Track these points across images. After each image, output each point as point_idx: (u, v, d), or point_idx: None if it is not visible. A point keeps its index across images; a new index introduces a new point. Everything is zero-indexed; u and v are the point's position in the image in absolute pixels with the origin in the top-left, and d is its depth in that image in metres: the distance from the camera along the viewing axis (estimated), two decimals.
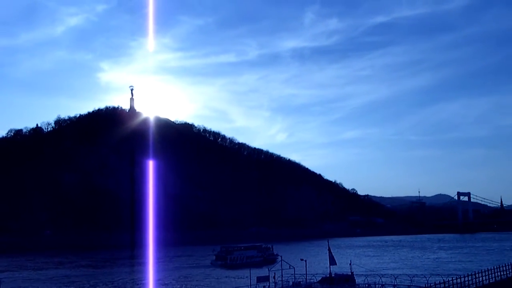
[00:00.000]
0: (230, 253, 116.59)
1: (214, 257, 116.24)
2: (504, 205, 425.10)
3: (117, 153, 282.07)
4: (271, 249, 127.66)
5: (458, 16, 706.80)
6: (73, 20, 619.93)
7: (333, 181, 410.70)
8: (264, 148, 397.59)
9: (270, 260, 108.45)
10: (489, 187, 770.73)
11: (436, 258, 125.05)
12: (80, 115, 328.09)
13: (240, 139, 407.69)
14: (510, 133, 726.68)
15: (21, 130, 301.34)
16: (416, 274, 70.77)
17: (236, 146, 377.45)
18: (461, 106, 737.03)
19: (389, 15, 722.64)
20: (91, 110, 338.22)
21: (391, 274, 75.91)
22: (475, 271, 53.27)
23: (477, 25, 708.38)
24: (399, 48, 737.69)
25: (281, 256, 63.84)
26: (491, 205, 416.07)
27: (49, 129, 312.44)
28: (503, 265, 59.72)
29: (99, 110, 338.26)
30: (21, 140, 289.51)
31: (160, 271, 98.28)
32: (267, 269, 57.96)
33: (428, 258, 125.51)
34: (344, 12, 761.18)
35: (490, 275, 54.37)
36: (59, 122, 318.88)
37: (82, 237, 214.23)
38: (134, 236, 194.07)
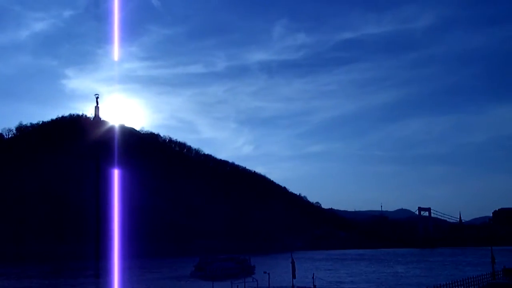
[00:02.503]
0: (209, 264, 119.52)
1: (193, 268, 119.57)
2: (463, 221, 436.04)
3: (80, 161, 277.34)
4: (248, 261, 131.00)
5: (423, 35, 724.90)
6: (39, 25, 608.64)
7: (298, 194, 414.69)
8: (230, 160, 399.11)
9: (247, 271, 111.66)
10: (449, 203, 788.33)
11: (393, 272, 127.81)
12: (43, 122, 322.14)
13: (206, 150, 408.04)
14: (469, 151, 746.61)
15: None
16: None
17: (202, 158, 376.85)
18: (424, 123, 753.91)
19: (356, 32, 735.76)
20: (54, 117, 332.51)
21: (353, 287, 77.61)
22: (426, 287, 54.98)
23: (440, 44, 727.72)
24: (365, 64, 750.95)
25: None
26: (450, 220, 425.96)
27: (10, 135, 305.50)
28: (456, 280, 61.61)
29: (63, 118, 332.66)
30: None
31: (141, 281, 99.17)
32: (250, 279, 59.15)
33: (384, 272, 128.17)
34: (312, 27, 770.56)
35: None
36: (21, 128, 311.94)
37: (44, 247, 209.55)
38: (99, 246, 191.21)
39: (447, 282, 58.12)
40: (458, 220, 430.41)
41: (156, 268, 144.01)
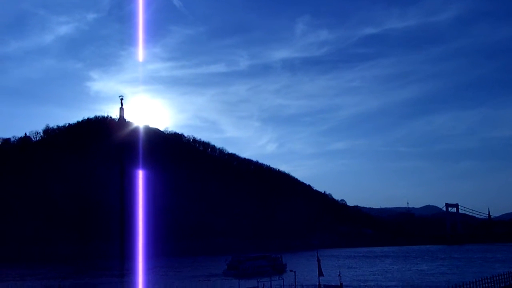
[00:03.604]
0: (241, 263, 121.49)
1: (225, 267, 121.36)
2: (491, 216, 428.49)
3: (106, 162, 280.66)
4: (280, 259, 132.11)
5: (447, 29, 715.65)
6: (63, 28, 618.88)
7: (323, 192, 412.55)
8: (254, 158, 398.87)
9: (279, 269, 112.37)
10: (477, 199, 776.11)
11: (418, 270, 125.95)
12: (69, 124, 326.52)
13: (230, 149, 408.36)
14: (497, 145, 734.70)
15: (9, 139, 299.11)
16: (396, 286, 71.59)
17: (226, 157, 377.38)
18: (449, 118, 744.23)
19: (379, 27, 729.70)
20: (80, 119, 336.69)
21: (380, 286, 76.65)
22: (454, 284, 53.70)
23: (465, 37, 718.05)
24: (388, 59, 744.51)
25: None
26: (479, 216, 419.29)
27: (37, 138, 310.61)
28: (485, 278, 59.90)
29: (89, 120, 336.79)
30: (9, 149, 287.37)
31: (177, 279, 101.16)
32: (276, 277, 59.12)
33: (409, 270, 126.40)
34: (334, 24, 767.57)
35: None
36: (47, 131, 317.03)
37: (71, 248, 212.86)
38: (124, 246, 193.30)
39: (474, 280, 56.59)
40: (487, 216, 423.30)
41: (183, 267, 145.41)
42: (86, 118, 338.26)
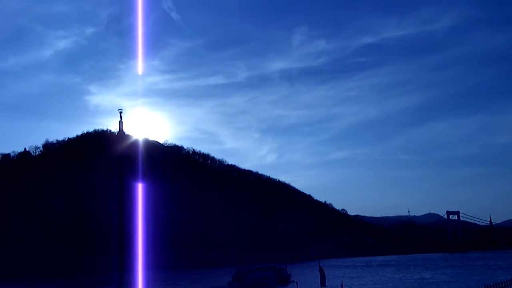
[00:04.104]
0: (247, 274, 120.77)
1: (230, 278, 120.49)
2: (493, 223, 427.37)
3: (106, 176, 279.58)
4: (284, 270, 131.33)
5: (444, 37, 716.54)
6: (62, 43, 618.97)
7: (323, 201, 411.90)
8: (254, 169, 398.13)
9: (284, 280, 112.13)
10: (478, 206, 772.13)
11: (419, 278, 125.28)
12: (69, 139, 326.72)
13: (229, 160, 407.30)
14: (496, 152, 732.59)
15: (8, 154, 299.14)
16: None
17: (226, 168, 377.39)
18: (448, 125, 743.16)
19: (377, 36, 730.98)
20: (79, 133, 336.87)
21: None
22: None
23: (462, 45, 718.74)
24: (386, 68, 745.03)
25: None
26: (480, 223, 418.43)
27: (37, 153, 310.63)
28: (488, 285, 59.23)
29: (88, 133, 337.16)
30: (8, 164, 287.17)
31: None
32: None
33: (411, 279, 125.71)
34: (332, 34, 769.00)
35: None
36: (47, 145, 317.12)
37: (70, 262, 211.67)
38: (123, 259, 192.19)
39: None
40: (488, 222, 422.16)
41: (183, 280, 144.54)
42: (85, 132, 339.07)
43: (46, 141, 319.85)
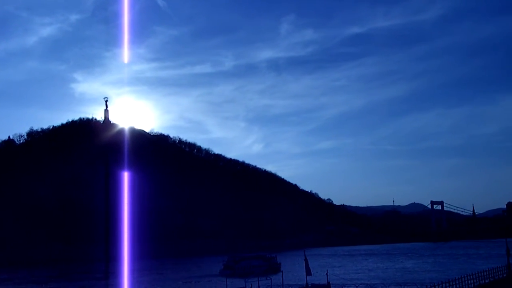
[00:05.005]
0: (237, 263, 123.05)
1: (222, 267, 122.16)
2: (476, 213, 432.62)
3: (91, 165, 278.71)
4: (274, 259, 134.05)
5: (432, 27, 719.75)
6: (46, 30, 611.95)
7: (309, 191, 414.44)
8: (240, 159, 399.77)
9: (274, 268, 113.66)
10: (461, 196, 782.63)
11: (402, 267, 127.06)
12: (54, 127, 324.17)
13: (216, 150, 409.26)
14: (482, 142, 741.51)
15: None
16: (381, 284, 72.18)
17: (212, 157, 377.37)
18: (435, 116, 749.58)
19: (364, 26, 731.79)
20: (64, 121, 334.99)
21: (367, 284, 77.22)
22: (438, 282, 54.09)
23: (450, 35, 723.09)
24: (374, 58, 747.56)
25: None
26: (463, 213, 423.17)
27: (21, 141, 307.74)
28: (468, 274, 60.21)
29: (73, 122, 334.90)
30: None
31: (175, 280, 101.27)
32: (264, 278, 59.43)
33: (393, 268, 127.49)
34: (319, 23, 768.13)
35: (454, 286, 54.43)
36: (31, 134, 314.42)
37: (55, 251, 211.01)
38: (109, 248, 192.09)
39: (457, 277, 56.82)
40: (472, 212, 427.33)
41: (170, 269, 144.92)
42: (70, 120, 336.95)
43: (31, 129, 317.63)
